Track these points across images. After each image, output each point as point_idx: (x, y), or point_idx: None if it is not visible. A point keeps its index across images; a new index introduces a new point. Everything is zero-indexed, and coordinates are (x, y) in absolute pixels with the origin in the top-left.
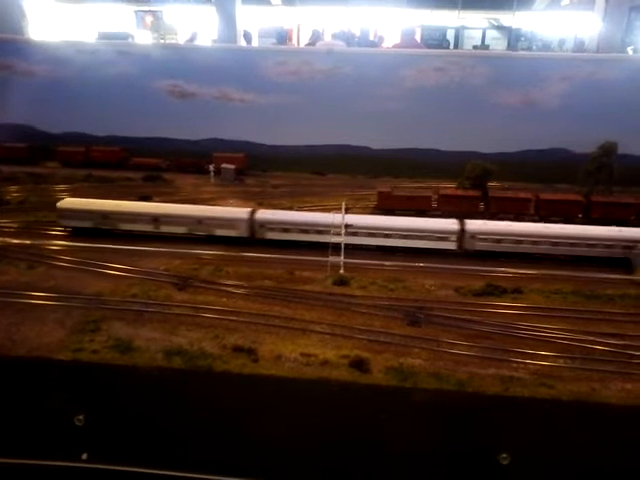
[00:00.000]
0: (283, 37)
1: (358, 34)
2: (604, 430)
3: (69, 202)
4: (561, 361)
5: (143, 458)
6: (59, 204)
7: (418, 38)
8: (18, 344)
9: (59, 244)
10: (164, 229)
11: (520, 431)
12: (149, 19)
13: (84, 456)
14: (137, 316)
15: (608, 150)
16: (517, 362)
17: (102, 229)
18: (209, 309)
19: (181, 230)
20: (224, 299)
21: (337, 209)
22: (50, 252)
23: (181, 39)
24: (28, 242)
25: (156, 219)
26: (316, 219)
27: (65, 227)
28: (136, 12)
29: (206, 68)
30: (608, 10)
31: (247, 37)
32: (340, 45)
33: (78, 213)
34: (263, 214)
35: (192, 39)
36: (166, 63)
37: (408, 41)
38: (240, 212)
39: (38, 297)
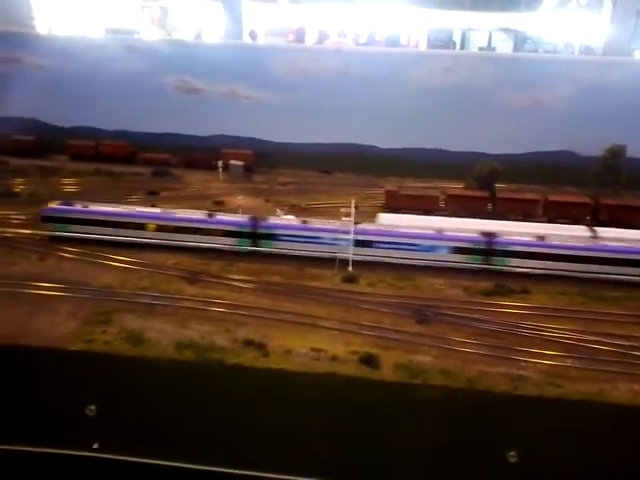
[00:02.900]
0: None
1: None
2: (612, 429)
3: None
4: (569, 361)
5: (153, 449)
6: None
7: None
8: (32, 334)
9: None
10: None
11: (529, 429)
12: (156, 15)
13: (95, 445)
14: (148, 309)
15: (616, 153)
16: (525, 361)
17: None
18: (220, 303)
19: None
20: (234, 294)
21: (346, 207)
22: (58, 244)
23: (187, 35)
24: (38, 233)
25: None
26: None
27: None
28: (143, 7)
29: (214, 65)
30: (615, 13)
31: (252, 35)
32: (349, 44)
33: None
34: None
35: (198, 36)
36: (174, 59)
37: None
38: None
39: (49, 288)
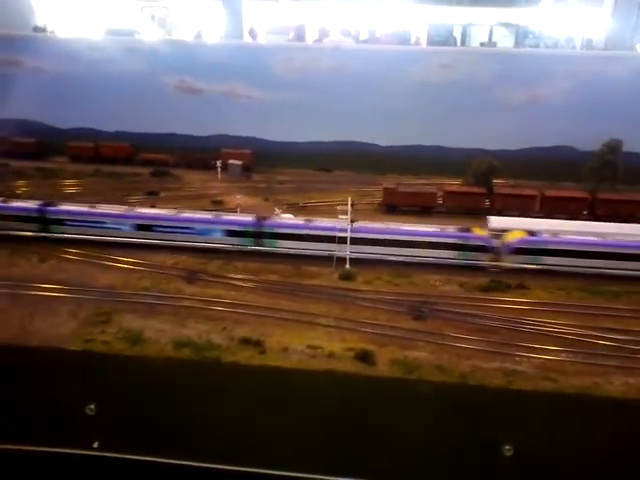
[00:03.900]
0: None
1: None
2: (607, 423)
3: None
4: (564, 355)
5: (152, 447)
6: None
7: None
8: (32, 335)
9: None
10: None
11: (524, 423)
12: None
13: (95, 444)
14: (148, 308)
15: (613, 147)
16: (521, 356)
17: None
18: (218, 302)
19: None
20: (232, 292)
21: (343, 204)
22: (59, 245)
23: (187, 35)
24: (40, 235)
25: None
26: None
27: None
28: (143, 8)
29: (213, 64)
30: (617, 7)
31: (252, 34)
32: (347, 42)
33: None
34: None
35: (198, 35)
36: (174, 59)
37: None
38: None
39: (50, 289)
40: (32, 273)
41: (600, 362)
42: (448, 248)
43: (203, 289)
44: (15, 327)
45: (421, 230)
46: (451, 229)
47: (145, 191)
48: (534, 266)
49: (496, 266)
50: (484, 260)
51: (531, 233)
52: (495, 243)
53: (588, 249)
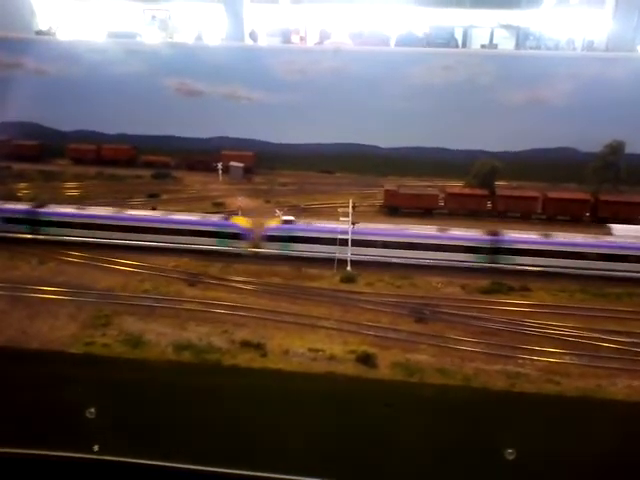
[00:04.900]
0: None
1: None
2: (610, 425)
3: None
4: (567, 358)
5: (152, 450)
6: None
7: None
8: (32, 338)
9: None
10: None
11: (526, 427)
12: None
13: (95, 448)
14: (149, 311)
15: (615, 149)
16: (523, 358)
17: None
18: (219, 305)
19: None
20: (233, 295)
21: (344, 207)
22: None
23: (189, 38)
24: (39, 238)
25: None
26: None
27: None
28: (144, 10)
29: (214, 66)
30: (618, 8)
31: (253, 36)
32: (348, 44)
33: None
34: None
35: (199, 38)
36: (174, 61)
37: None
38: None
39: (50, 292)
40: (32, 275)
41: (603, 364)
42: (208, 236)
43: (204, 291)
44: (15, 330)
45: (162, 218)
46: (214, 218)
47: (146, 193)
48: (285, 252)
49: (253, 253)
50: (242, 247)
51: (286, 221)
52: (251, 232)
53: (332, 236)
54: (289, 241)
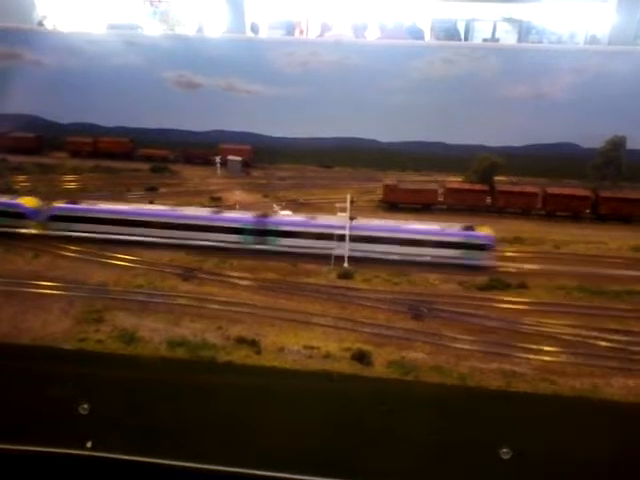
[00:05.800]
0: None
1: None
2: (605, 425)
3: None
4: (564, 357)
5: (146, 446)
6: None
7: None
8: (24, 333)
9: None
10: None
11: (522, 426)
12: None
13: (89, 444)
14: (142, 306)
15: (617, 144)
16: (520, 357)
17: None
18: (213, 300)
19: None
20: (228, 290)
21: (342, 202)
22: (54, 241)
23: (190, 30)
24: (34, 232)
25: None
26: None
27: None
28: (145, 2)
29: (213, 59)
30: (621, 1)
31: (254, 28)
32: (348, 36)
33: None
34: None
35: (199, 30)
36: (173, 54)
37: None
38: None
39: (43, 286)
40: (25, 270)
41: (600, 363)
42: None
43: (198, 287)
44: (7, 325)
45: None
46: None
47: (144, 187)
48: (66, 233)
49: (35, 234)
50: (28, 227)
51: (72, 202)
52: (36, 211)
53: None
54: (69, 221)
